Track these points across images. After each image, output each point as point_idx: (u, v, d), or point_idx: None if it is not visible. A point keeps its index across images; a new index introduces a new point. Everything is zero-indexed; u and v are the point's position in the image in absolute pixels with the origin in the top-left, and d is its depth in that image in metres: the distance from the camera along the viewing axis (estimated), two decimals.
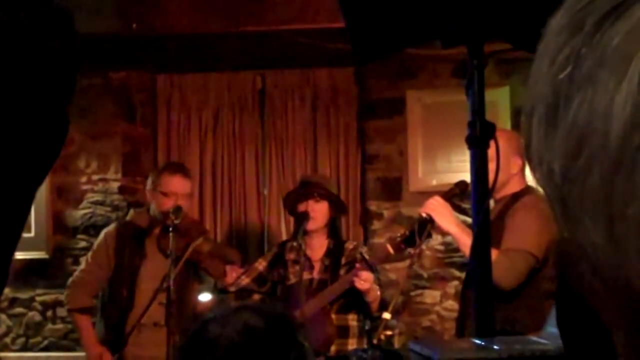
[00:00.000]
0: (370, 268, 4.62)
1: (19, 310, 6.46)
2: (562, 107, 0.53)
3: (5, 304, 6.44)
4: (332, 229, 5.03)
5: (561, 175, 0.54)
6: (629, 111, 0.50)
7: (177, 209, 4.88)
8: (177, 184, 5.07)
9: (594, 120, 0.51)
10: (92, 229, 6.34)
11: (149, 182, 5.18)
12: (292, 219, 6.08)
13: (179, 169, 5.28)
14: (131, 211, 5.80)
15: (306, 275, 4.89)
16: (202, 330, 1.92)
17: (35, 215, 6.29)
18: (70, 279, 5.19)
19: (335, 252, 4.94)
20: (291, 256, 4.96)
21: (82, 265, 5.22)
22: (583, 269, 0.56)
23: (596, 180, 0.51)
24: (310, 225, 4.88)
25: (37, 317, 6.51)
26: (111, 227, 5.27)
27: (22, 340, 6.50)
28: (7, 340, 6.46)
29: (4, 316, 6.49)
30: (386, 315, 4.01)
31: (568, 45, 0.54)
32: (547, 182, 0.56)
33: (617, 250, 0.52)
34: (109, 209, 6.48)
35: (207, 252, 4.97)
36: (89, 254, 5.23)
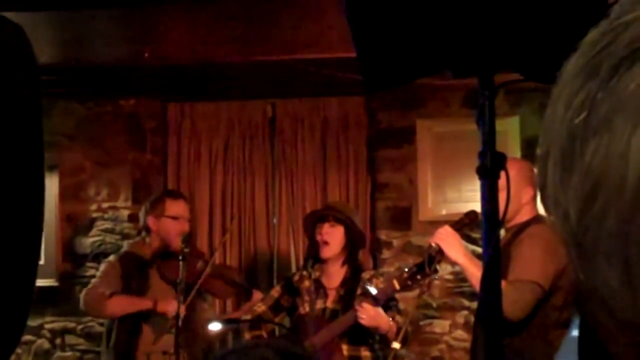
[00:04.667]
0: (376, 302, 4.58)
1: (27, 337, 6.45)
2: (578, 151, 0.53)
3: None
4: (350, 257, 4.97)
5: (577, 219, 0.54)
6: None
7: (187, 238, 4.91)
8: (183, 208, 5.20)
9: (610, 165, 0.51)
10: (101, 256, 6.32)
11: (149, 210, 5.17)
12: (301, 247, 6.09)
13: (180, 194, 5.48)
14: (126, 242, 5.81)
15: (320, 304, 4.86)
16: None
17: (45, 243, 6.29)
18: (84, 290, 5.10)
19: (351, 281, 4.90)
20: (307, 284, 4.92)
21: (94, 280, 5.18)
22: (598, 311, 0.56)
23: (612, 225, 0.51)
24: (325, 252, 4.85)
25: (46, 344, 6.50)
26: (112, 258, 5.27)
27: None
28: None
29: None
30: (395, 345, 4.00)
31: (584, 89, 0.54)
32: (562, 225, 0.55)
33: (633, 294, 0.52)
34: (118, 236, 6.48)
35: (209, 274, 4.99)
36: (98, 273, 5.21)
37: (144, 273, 5.08)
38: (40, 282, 6.14)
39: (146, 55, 5.49)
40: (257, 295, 5.17)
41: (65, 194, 6.51)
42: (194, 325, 4.97)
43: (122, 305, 5.00)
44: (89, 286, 5.15)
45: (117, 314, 5.07)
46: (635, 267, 0.51)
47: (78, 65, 5.64)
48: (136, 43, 5.50)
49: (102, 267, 5.24)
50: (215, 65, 5.78)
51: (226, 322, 5.06)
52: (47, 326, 6.45)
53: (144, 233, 5.24)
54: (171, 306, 4.82)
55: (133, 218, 6.41)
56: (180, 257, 4.77)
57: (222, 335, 5.44)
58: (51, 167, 6.24)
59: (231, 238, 6.39)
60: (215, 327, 4.94)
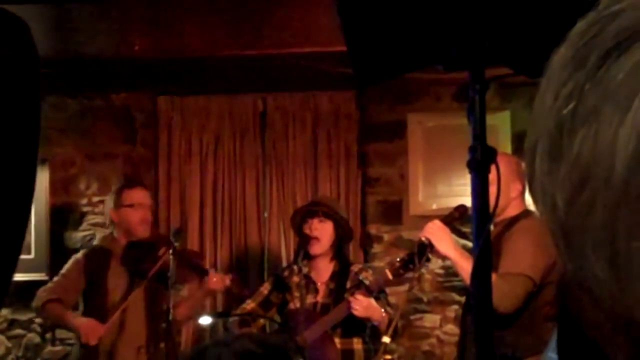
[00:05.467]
0: (370, 292, 4.59)
1: (18, 331, 6.44)
2: (566, 141, 0.53)
3: (4, 325, 6.42)
4: (338, 251, 4.98)
5: (564, 209, 0.54)
6: (633, 146, 0.50)
7: (177, 232, 4.91)
8: (140, 195, 5.25)
9: (598, 155, 0.51)
10: None
11: (110, 204, 5.25)
12: (292, 242, 6.07)
13: (137, 182, 5.60)
14: (97, 237, 5.84)
15: (310, 299, 4.87)
16: (202, 354, 1.95)
17: (35, 237, 6.29)
18: (41, 288, 5.18)
19: (340, 275, 4.90)
20: (296, 279, 4.92)
21: (54, 279, 5.24)
22: (585, 301, 0.56)
23: (600, 215, 0.51)
24: (315, 249, 4.86)
25: (36, 338, 6.48)
26: (80, 253, 5.33)
27: None
28: None
29: (3, 338, 6.47)
30: (386, 339, 4.00)
31: (572, 80, 0.54)
32: (550, 215, 0.56)
33: (620, 284, 0.52)
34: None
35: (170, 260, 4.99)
36: (62, 271, 5.23)
37: (110, 266, 5.11)
38: (30, 276, 6.13)
39: (136, 48, 5.48)
40: (212, 275, 5.12)
41: (55, 188, 6.49)
42: (160, 311, 4.97)
43: (51, 315, 5.17)
44: (45, 286, 5.20)
45: (48, 321, 5.58)
46: (622, 257, 0.51)
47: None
48: (127, 36, 5.49)
49: (67, 263, 5.26)
50: (206, 59, 5.76)
51: (217, 315, 5.07)
52: (37, 320, 6.43)
53: (111, 227, 5.31)
54: (87, 332, 4.87)
55: None
56: (171, 252, 4.77)
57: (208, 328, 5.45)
58: (42, 161, 6.22)
59: (222, 231, 6.39)
60: (205, 320, 4.94)
